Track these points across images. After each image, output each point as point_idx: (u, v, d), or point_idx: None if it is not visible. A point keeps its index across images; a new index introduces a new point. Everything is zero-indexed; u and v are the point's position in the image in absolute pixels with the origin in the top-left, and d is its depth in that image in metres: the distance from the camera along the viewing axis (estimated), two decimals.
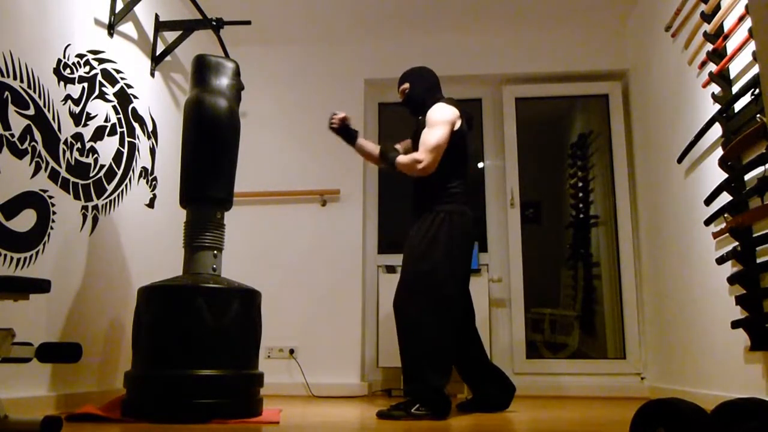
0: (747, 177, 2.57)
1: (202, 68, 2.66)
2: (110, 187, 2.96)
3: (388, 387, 3.88)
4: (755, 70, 2.50)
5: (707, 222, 2.88)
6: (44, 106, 2.48)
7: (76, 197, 2.69)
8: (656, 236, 3.70)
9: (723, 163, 2.71)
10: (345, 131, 3.00)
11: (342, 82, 4.35)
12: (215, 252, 2.58)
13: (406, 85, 3.02)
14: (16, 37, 2.33)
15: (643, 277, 3.95)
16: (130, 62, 3.20)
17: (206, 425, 2.15)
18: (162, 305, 2.38)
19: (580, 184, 4.57)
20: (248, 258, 4.06)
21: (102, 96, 2.92)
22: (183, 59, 3.77)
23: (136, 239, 3.20)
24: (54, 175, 2.53)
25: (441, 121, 2.78)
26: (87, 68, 2.81)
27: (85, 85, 2.78)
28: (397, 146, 3.15)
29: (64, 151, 2.60)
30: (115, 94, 3.04)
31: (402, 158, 2.81)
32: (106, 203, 2.93)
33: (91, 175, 2.81)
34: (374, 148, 3.00)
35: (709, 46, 2.87)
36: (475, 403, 2.89)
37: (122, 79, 3.11)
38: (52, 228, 2.49)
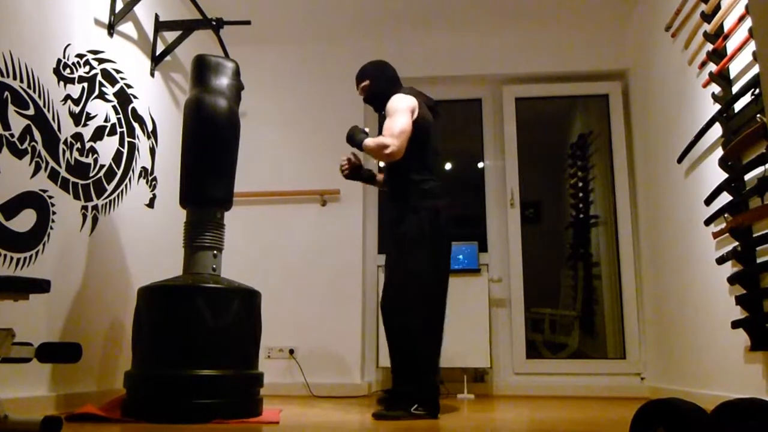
0: (747, 177, 2.57)
1: (202, 68, 2.66)
2: (110, 187, 2.96)
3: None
4: (755, 70, 2.50)
5: (707, 222, 2.88)
6: (44, 106, 2.48)
7: (76, 197, 2.69)
8: (656, 236, 3.70)
9: (723, 163, 2.72)
10: (360, 175, 3.00)
11: (342, 82, 4.34)
12: (215, 252, 2.58)
13: (366, 82, 2.96)
14: (16, 37, 2.33)
15: (643, 277, 3.94)
16: (129, 62, 3.20)
17: (206, 425, 2.15)
18: (162, 305, 2.38)
19: (580, 184, 4.57)
20: (248, 258, 4.06)
21: (102, 96, 2.92)
22: (183, 59, 3.77)
23: (136, 239, 3.20)
24: (54, 175, 2.53)
25: (400, 109, 2.73)
26: (87, 68, 2.80)
27: (85, 85, 2.78)
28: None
29: (63, 151, 2.60)
30: (115, 94, 3.04)
31: (369, 141, 2.73)
32: (106, 203, 2.93)
33: (91, 175, 2.81)
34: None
35: (709, 46, 2.87)
36: None
37: (122, 79, 3.11)
38: (51, 228, 2.49)
